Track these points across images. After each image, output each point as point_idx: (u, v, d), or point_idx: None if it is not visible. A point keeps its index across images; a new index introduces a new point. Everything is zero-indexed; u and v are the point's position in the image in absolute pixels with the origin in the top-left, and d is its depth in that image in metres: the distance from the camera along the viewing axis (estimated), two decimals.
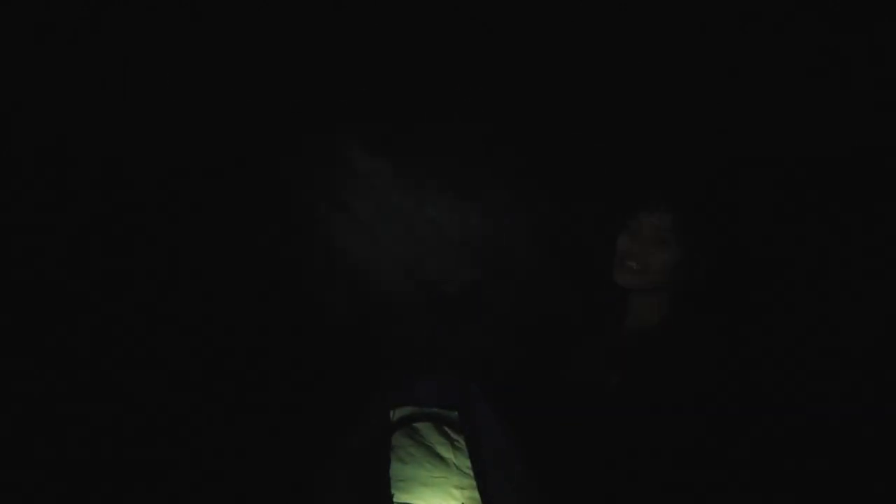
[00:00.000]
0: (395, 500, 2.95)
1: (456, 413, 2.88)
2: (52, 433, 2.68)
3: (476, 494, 2.79)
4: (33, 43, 2.58)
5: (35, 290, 2.75)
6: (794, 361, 2.24)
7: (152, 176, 2.72)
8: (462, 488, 3.04)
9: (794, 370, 2.23)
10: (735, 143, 2.46)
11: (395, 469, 3.02)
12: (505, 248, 2.81)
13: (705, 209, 1.67)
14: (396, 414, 2.96)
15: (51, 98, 2.68)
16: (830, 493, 1.98)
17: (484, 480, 2.75)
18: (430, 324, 2.81)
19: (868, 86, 2.28)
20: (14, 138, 2.61)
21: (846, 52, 2.28)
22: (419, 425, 3.01)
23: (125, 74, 2.63)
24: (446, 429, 3.00)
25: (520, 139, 2.72)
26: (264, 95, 2.62)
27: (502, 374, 3.00)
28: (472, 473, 2.82)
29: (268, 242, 2.78)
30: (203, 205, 2.77)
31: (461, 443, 2.95)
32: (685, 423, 1.50)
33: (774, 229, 2.43)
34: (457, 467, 3.03)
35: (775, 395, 2.20)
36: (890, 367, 2.08)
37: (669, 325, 1.61)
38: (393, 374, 3.15)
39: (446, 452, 3.05)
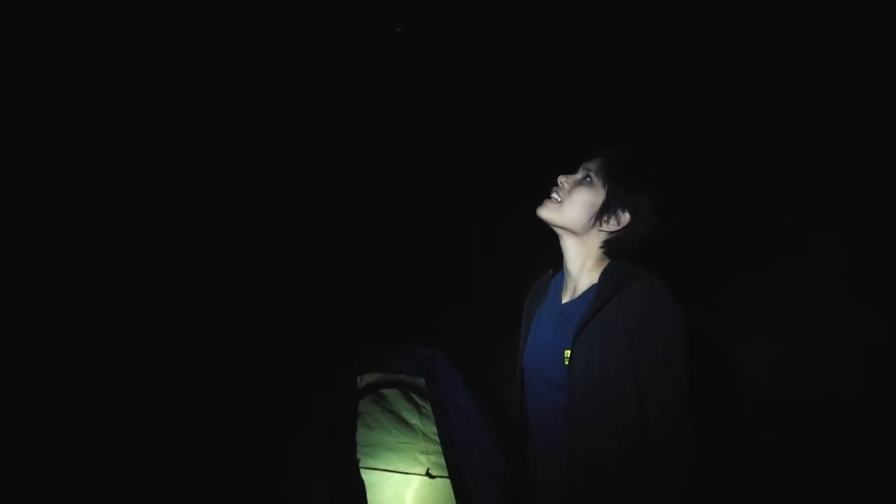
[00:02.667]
0: (361, 465, 2.99)
1: (423, 380, 2.86)
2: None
3: (441, 460, 2.84)
4: None
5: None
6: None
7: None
8: (428, 454, 3.11)
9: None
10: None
11: (362, 434, 3.04)
12: None
13: (634, 164, 1.62)
14: (364, 380, 2.92)
15: None
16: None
17: (450, 446, 2.79)
18: None
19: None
20: None
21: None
22: (386, 391, 3.00)
23: None
24: (413, 395, 3.01)
25: None
26: None
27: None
28: (437, 439, 2.85)
29: None
30: None
31: (427, 409, 2.97)
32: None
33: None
34: (423, 433, 3.08)
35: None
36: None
37: (604, 283, 1.58)
38: (363, 342, 3.10)
39: (413, 418, 3.07)
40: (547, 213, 1.58)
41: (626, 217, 1.55)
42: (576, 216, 1.56)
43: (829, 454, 2.09)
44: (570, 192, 1.56)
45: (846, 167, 2.24)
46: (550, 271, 1.74)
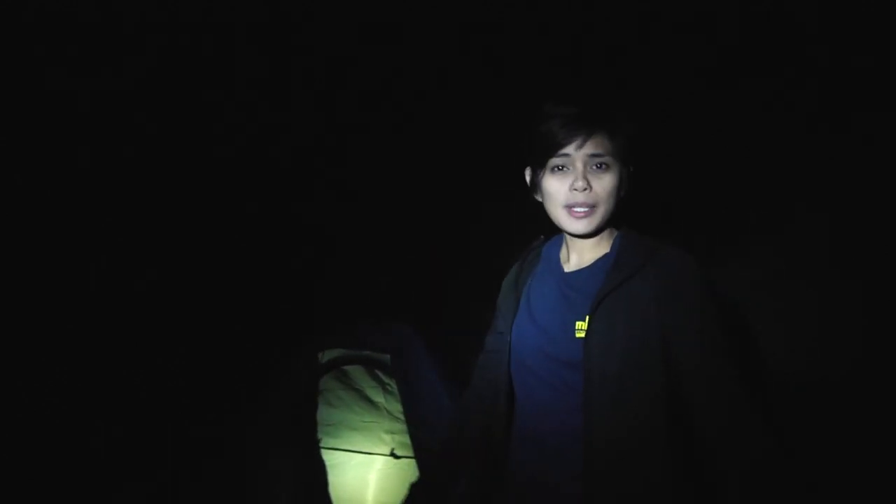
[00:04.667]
0: (322, 444, 2.87)
1: (388, 356, 2.72)
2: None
3: (407, 439, 2.72)
4: None
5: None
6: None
7: None
8: (393, 433, 2.98)
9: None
10: None
11: (323, 413, 2.90)
12: None
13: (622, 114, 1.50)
14: (325, 356, 2.78)
15: None
16: None
17: (416, 424, 2.67)
18: None
19: None
20: None
21: None
22: (349, 368, 2.86)
23: None
24: (378, 372, 2.87)
25: None
26: None
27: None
28: (403, 418, 2.73)
29: None
30: None
31: (393, 387, 2.84)
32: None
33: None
34: (388, 412, 2.94)
35: None
36: None
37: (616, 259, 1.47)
38: (325, 315, 2.95)
39: (377, 396, 2.94)
40: (588, 224, 1.40)
41: (631, 168, 1.44)
42: (611, 208, 1.41)
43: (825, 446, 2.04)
44: (598, 190, 1.39)
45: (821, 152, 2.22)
46: (542, 237, 1.58)
